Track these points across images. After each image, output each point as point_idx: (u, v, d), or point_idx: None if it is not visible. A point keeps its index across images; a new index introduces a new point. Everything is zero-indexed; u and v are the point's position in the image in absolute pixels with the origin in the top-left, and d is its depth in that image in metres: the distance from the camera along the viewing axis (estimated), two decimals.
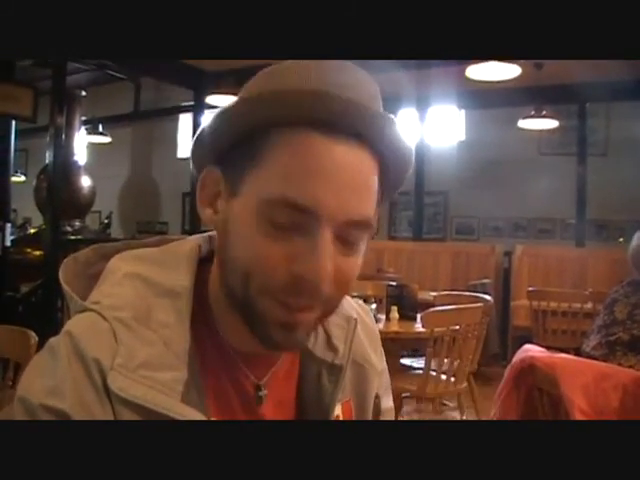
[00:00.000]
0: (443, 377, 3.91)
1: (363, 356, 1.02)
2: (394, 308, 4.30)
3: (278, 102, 0.77)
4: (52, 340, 0.81)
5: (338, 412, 0.97)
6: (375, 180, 0.82)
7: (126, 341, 0.79)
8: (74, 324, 0.82)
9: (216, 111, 0.82)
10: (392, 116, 0.79)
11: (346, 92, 0.76)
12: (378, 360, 1.06)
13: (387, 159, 0.83)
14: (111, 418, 0.77)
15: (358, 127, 0.78)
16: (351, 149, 0.78)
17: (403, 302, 4.41)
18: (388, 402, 1.09)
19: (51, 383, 0.76)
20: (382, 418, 1.06)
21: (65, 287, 0.89)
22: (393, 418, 1.13)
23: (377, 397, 1.04)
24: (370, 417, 1.03)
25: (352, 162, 0.78)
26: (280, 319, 0.81)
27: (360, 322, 1.03)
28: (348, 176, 0.77)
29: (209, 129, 0.84)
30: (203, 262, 0.92)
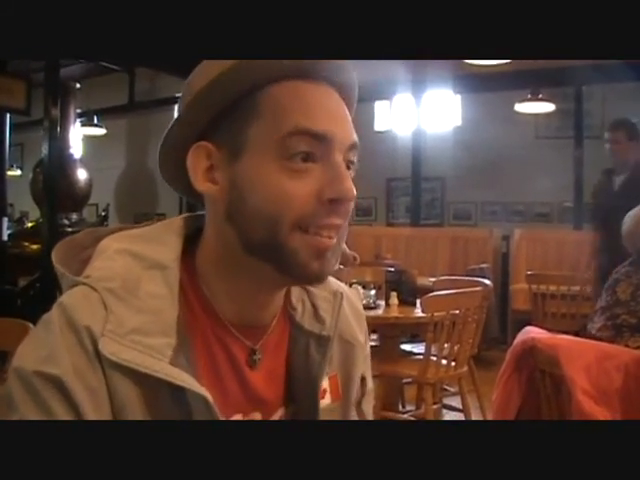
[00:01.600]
0: (444, 362, 3.91)
1: (350, 334, 1.06)
2: (393, 294, 4.30)
3: (265, 62, 0.86)
4: (45, 315, 0.85)
5: (325, 385, 1.00)
6: (350, 118, 0.93)
7: (116, 309, 0.83)
8: (65, 297, 0.86)
9: (194, 88, 0.88)
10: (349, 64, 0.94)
11: None
12: (364, 340, 1.10)
13: (346, 96, 0.95)
14: (102, 383, 0.81)
15: (333, 74, 0.91)
16: (329, 89, 0.91)
17: (402, 288, 4.40)
18: (370, 383, 1.12)
19: (44, 352, 0.80)
20: (366, 398, 1.10)
21: (56, 265, 0.93)
22: (373, 398, 1.15)
23: (364, 378, 1.09)
24: (355, 394, 1.06)
25: (335, 99, 0.91)
26: (312, 249, 0.87)
27: (347, 302, 1.07)
28: (338, 109, 0.91)
29: (191, 106, 0.89)
30: (190, 238, 0.97)
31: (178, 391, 0.82)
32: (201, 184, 0.91)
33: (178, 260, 0.92)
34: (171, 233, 0.95)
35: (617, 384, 2.21)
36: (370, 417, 1.12)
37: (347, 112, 0.92)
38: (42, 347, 0.81)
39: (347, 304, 1.06)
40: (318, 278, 0.91)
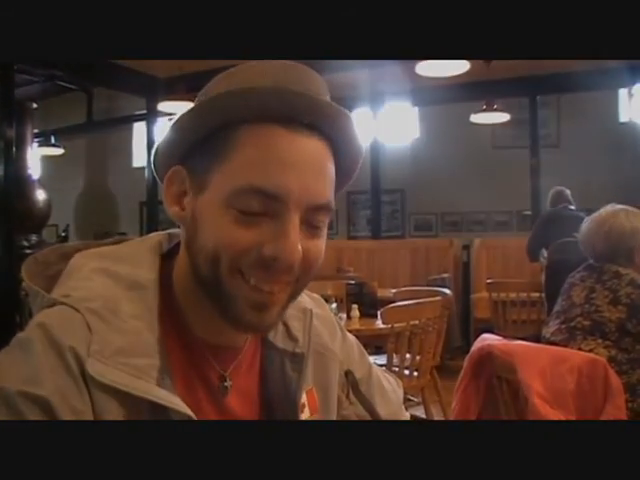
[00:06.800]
0: (406, 372, 3.93)
1: (321, 344, 1.06)
2: (354, 306, 4.33)
3: (243, 99, 0.83)
4: (20, 334, 0.82)
5: (303, 400, 1.00)
6: (332, 168, 0.89)
7: (99, 329, 0.82)
8: (45, 317, 0.83)
9: (182, 111, 0.87)
10: (342, 108, 0.86)
11: (302, 87, 0.84)
12: (338, 344, 1.10)
13: (339, 148, 0.90)
14: (88, 405, 0.79)
15: (314, 118, 0.84)
16: (310, 140, 0.85)
17: (363, 300, 4.43)
18: (363, 367, 1.14)
19: (27, 372, 0.77)
20: (366, 385, 1.11)
21: (29, 284, 0.91)
22: (380, 375, 1.17)
23: (349, 373, 1.09)
24: (335, 403, 1.07)
25: (312, 152, 0.85)
26: (251, 299, 0.85)
27: (314, 313, 1.06)
28: (309, 164, 0.84)
29: (175, 128, 0.88)
30: (165, 258, 0.96)
31: (161, 411, 0.81)
32: (170, 207, 0.91)
33: (157, 280, 0.91)
34: (148, 252, 0.95)
35: (571, 387, 2.24)
36: (381, 395, 1.14)
37: (324, 169, 0.87)
38: (23, 367, 0.78)
39: (315, 317, 1.06)
40: (254, 329, 0.91)
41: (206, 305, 0.90)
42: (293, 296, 0.91)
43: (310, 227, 0.86)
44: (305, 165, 0.84)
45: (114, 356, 0.81)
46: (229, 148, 0.84)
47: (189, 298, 0.93)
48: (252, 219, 0.83)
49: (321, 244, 0.89)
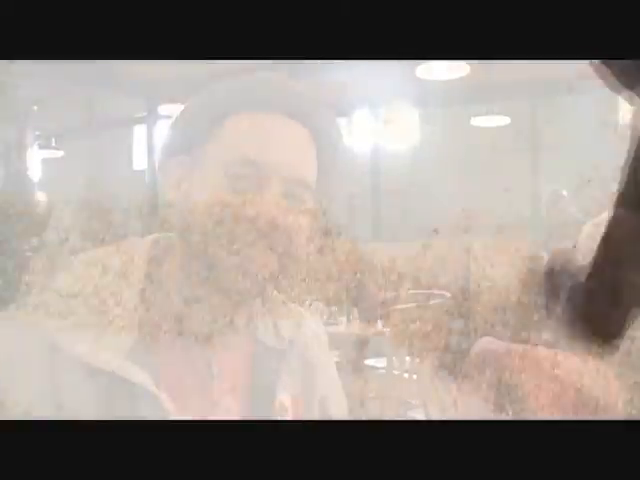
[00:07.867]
0: (406, 375, 3.93)
1: (311, 354, 1.10)
2: (355, 309, 4.31)
3: (229, 89, 0.97)
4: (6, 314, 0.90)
5: (287, 404, 1.03)
6: (311, 151, 0.99)
7: (81, 313, 0.87)
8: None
9: (182, 108, 0.99)
10: (320, 101, 0.99)
11: (282, 81, 0.99)
12: (327, 362, 1.15)
13: (320, 139, 1.00)
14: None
15: (290, 105, 0.97)
16: (289, 124, 0.97)
17: (364, 302, 4.42)
18: (340, 404, 1.15)
19: None
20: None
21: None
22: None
23: (325, 399, 1.11)
24: (317, 412, 1.09)
25: (288, 133, 0.97)
26: (240, 264, 0.90)
27: (307, 324, 1.11)
28: (287, 141, 0.96)
29: (174, 126, 0.99)
30: (160, 255, 1.02)
31: (130, 388, 0.85)
32: (170, 193, 0.99)
33: (148, 273, 0.96)
34: (143, 248, 1.01)
35: (570, 391, 2.24)
36: None
37: (301, 148, 0.98)
38: None
39: (309, 330, 1.10)
40: (246, 294, 0.94)
41: (197, 294, 0.95)
42: (282, 269, 0.94)
43: (291, 201, 0.94)
44: (282, 140, 0.96)
45: (88, 334, 0.85)
46: (222, 129, 0.96)
47: (181, 289, 0.97)
48: (239, 185, 0.92)
49: (303, 222, 0.94)
